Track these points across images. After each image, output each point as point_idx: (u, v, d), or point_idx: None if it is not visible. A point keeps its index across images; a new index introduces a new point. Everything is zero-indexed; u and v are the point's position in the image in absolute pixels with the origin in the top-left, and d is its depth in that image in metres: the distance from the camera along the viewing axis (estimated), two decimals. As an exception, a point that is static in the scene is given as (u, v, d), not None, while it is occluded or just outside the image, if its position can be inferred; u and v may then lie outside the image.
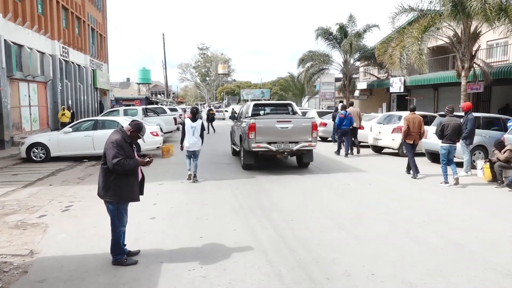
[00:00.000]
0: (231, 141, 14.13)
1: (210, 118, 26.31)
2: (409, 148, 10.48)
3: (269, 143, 10.33)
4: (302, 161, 11.39)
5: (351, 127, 14.12)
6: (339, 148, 14.42)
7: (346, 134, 14.06)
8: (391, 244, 5.38)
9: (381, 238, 5.64)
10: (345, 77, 29.89)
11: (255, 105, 12.47)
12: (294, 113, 12.19)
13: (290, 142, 10.42)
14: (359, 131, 15.35)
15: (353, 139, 14.70)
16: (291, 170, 11.24)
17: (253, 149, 10.38)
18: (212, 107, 46.84)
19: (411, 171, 10.40)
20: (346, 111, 14.14)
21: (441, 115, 12.64)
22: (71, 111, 22.30)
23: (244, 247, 5.26)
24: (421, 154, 13.63)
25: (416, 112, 11.03)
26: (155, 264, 4.73)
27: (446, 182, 9.37)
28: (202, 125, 9.64)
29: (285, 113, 12.16)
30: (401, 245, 5.34)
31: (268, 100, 54.33)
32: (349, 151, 14.29)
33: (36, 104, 20.35)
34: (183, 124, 9.79)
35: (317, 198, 8.01)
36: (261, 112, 12.61)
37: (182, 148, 9.70)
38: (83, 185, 9.43)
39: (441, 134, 9.40)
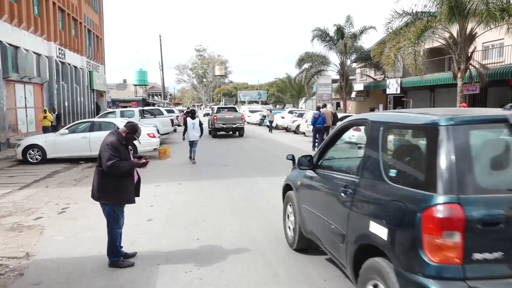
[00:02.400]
0: (209, 125, 23.88)
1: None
2: None
3: (223, 124, 22.06)
4: (239, 133, 22.66)
5: (324, 126, 15.64)
6: (314, 144, 15.93)
7: (319, 132, 15.70)
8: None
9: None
10: (342, 79, 29.96)
11: (217, 108, 25.14)
12: (236, 111, 24.55)
13: (231, 123, 22.08)
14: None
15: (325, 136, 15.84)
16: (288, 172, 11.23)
17: (216, 126, 22.20)
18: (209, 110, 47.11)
19: None
20: (320, 112, 15.92)
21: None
22: (56, 113, 20.02)
23: (241, 248, 5.26)
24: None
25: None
26: (152, 266, 4.71)
27: None
28: (200, 122, 13.11)
29: (233, 111, 23.95)
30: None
31: (265, 101, 64.64)
32: None
33: (32, 106, 20.28)
34: (185, 120, 13.29)
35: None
36: (221, 110, 23.94)
37: (184, 138, 13.55)
38: (79, 187, 9.40)
39: None
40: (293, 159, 5.28)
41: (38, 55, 20.48)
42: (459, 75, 16.15)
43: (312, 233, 4.52)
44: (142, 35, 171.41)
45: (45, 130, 17.76)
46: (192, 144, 12.90)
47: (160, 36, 72.64)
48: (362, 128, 3.81)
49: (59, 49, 23.63)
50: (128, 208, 5.00)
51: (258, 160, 13.62)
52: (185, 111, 24.54)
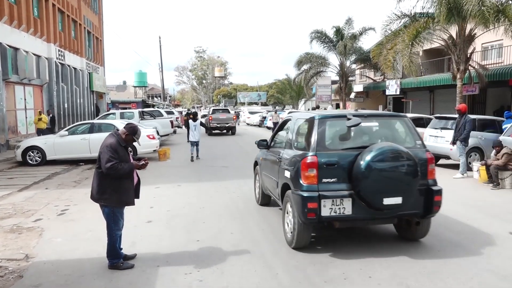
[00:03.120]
0: (206, 124, 24.12)
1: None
2: None
3: (217, 123, 25.41)
4: (231, 131, 25.87)
5: None
6: None
7: None
8: (388, 245, 5.38)
9: (377, 239, 5.64)
10: (342, 80, 29.94)
11: (213, 109, 27.91)
12: (229, 112, 27.19)
13: (224, 123, 25.48)
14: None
15: None
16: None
17: (211, 126, 25.11)
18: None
19: None
20: None
21: (438, 116, 12.85)
22: (51, 115, 19.31)
23: (241, 250, 5.25)
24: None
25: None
26: (151, 268, 4.70)
27: None
28: (204, 124, 16.01)
29: (226, 112, 27.10)
30: (398, 246, 5.34)
31: (265, 102, 66.55)
32: None
33: (32, 108, 20.26)
34: (187, 122, 15.08)
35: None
36: (215, 112, 26.80)
37: (188, 140, 14.79)
38: (79, 189, 9.39)
39: None
40: (260, 144, 7.20)
41: (38, 56, 20.48)
42: (458, 76, 16.14)
43: (267, 188, 6.97)
44: (141, 37, 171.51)
45: (40, 132, 17.33)
46: (195, 144, 13.90)
47: (159, 38, 72.35)
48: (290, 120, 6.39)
49: (59, 50, 23.63)
50: (127, 210, 4.99)
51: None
52: (185, 113, 24.60)
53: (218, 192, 8.78)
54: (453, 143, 10.71)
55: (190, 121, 14.21)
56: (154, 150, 14.15)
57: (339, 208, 4.83)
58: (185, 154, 15.82)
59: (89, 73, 30.01)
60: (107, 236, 4.71)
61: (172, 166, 12.82)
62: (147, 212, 7.09)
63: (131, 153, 4.94)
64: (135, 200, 4.89)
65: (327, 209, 4.81)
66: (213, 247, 5.38)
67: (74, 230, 6.19)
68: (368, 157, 4.75)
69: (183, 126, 24.94)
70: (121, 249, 4.86)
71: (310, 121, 5.32)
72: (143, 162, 4.83)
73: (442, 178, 10.46)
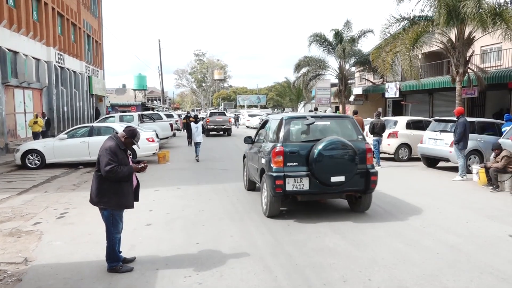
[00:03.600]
0: (204, 126, 24.66)
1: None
2: None
3: (214, 125, 27.13)
4: (227, 133, 27.80)
5: None
6: None
7: None
8: (387, 248, 5.38)
9: (377, 242, 5.64)
10: (341, 83, 29.95)
11: (210, 112, 30.86)
12: (225, 115, 29.47)
13: (220, 125, 27.31)
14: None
15: None
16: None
17: (209, 127, 26.72)
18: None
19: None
20: None
21: (437, 119, 12.89)
22: (46, 118, 19.31)
23: (241, 253, 5.25)
24: (417, 159, 13.69)
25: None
26: (151, 271, 4.70)
27: (379, 165, 12.62)
28: (202, 126, 16.20)
29: (222, 115, 29.46)
30: (397, 249, 5.34)
31: (264, 105, 68.17)
32: None
33: (31, 111, 20.26)
34: (189, 125, 16.83)
35: (312, 203, 8.00)
36: (213, 115, 29.16)
37: (189, 143, 17.35)
38: (78, 192, 9.39)
39: (372, 131, 13.22)
40: (246, 140, 8.96)
41: (37, 60, 20.51)
42: (457, 79, 16.17)
43: (251, 175, 8.62)
44: (141, 40, 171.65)
45: (35, 136, 17.18)
46: (197, 145, 14.83)
47: (159, 41, 72.50)
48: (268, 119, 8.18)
49: (58, 54, 23.67)
50: (127, 213, 4.99)
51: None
52: (184, 116, 24.67)
53: (217, 195, 8.78)
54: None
55: (192, 123, 15.41)
56: (154, 153, 14.15)
57: (299, 185, 6.52)
58: (184, 157, 15.84)
59: (88, 76, 30.06)
60: (106, 239, 4.71)
61: (171, 169, 12.82)
62: (146, 215, 7.09)
63: (131, 156, 4.95)
64: (135, 203, 4.90)
65: (290, 185, 6.49)
66: (212, 250, 5.38)
67: (73, 233, 6.19)
68: (320, 147, 6.43)
69: (183, 129, 24.88)
70: (120, 252, 4.86)
71: (280, 121, 7.02)
72: (142, 165, 4.83)
73: (442, 181, 10.54)
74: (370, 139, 12.99)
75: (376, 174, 6.81)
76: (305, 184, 6.49)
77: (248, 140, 8.82)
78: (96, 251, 5.28)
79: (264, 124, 8.35)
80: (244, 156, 9.48)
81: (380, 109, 29.41)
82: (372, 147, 11.75)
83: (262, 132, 8.37)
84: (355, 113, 15.08)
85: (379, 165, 12.82)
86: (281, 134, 6.74)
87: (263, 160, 7.10)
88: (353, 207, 7.34)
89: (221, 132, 27.91)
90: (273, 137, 7.05)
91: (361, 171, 6.66)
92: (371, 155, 6.95)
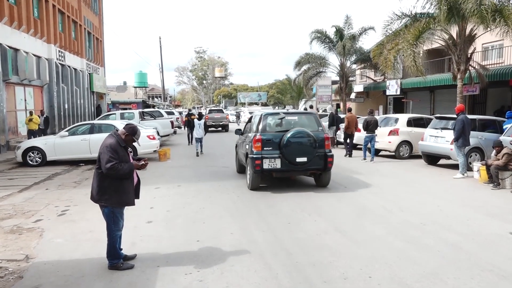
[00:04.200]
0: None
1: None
2: (348, 136, 15.01)
3: (213, 122, 29.20)
4: (225, 128, 29.80)
5: None
6: None
7: None
8: (388, 246, 5.38)
9: (377, 240, 5.64)
10: (342, 80, 29.91)
11: (209, 110, 33.26)
12: (223, 112, 31.54)
13: (219, 122, 29.59)
14: (356, 133, 15.42)
15: None
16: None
17: (208, 124, 25.22)
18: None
19: (351, 155, 14.70)
20: None
21: (438, 117, 12.83)
22: (45, 116, 18.56)
23: (241, 250, 5.26)
24: (418, 157, 13.68)
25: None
26: (151, 268, 4.71)
27: (364, 159, 13.57)
28: (205, 122, 17.03)
29: (220, 112, 31.37)
30: (398, 247, 5.34)
31: (265, 102, 68.94)
32: None
33: (32, 108, 20.26)
34: (190, 123, 18.20)
35: (313, 200, 8.01)
36: (211, 112, 31.18)
37: (189, 143, 18.43)
38: (79, 189, 9.40)
39: (366, 127, 13.40)
40: (237, 132, 11.27)
41: (38, 57, 20.50)
42: (458, 76, 16.13)
43: (241, 160, 10.35)
44: (141, 37, 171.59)
45: (31, 134, 16.81)
46: (199, 141, 15.64)
47: (160, 38, 72.74)
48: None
49: (59, 51, 23.66)
50: (127, 210, 5.00)
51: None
52: (186, 113, 24.79)
53: (218, 192, 8.79)
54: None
55: (195, 120, 16.42)
56: (154, 151, 14.16)
57: (273, 164, 8.58)
58: (185, 155, 15.86)
59: (89, 73, 30.04)
60: (107, 237, 4.72)
61: (172, 166, 12.83)
62: (147, 212, 7.09)
63: (131, 154, 4.95)
64: (135, 200, 4.90)
65: (266, 164, 8.55)
66: (213, 247, 5.38)
67: (74, 230, 6.20)
68: (288, 135, 8.49)
69: (184, 127, 24.78)
70: (121, 249, 4.87)
71: (260, 116, 9.18)
72: (143, 162, 4.84)
73: (442, 178, 10.53)
74: (363, 135, 14.04)
75: (332, 157, 8.83)
76: (277, 164, 8.56)
77: (238, 132, 11.05)
78: (97, 248, 5.29)
79: (250, 119, 10.61)
80: (236, 146, 11.43)
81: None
82: (364, 141, 13.82)
83: (248, 125, 10.47)
84: (349, 110, 15.94)
85: (372, 161, 13.41)
86: (260, 126, 8.84)
87: (247, 146, 9.09)
88: (317, 182, 9.38)
89: (219, 128, 30.09)
90: (255, 129, 9.09)
91: (320, 154, 8.67)
92: (328, 142, 8.91)
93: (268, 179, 9.51)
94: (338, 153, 15.58)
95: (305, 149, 8.46)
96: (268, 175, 9.01)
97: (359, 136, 15.21)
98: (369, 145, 13.67)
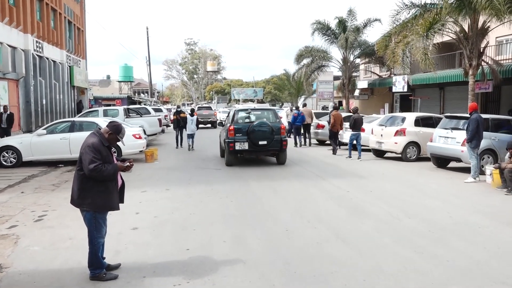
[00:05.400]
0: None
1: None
2: (334, 134, 16.39)
3: (201, 118, 30.31)
4: (212, 125, 33.21)
5: (305, 123, 18.85)
6: (295, 141, 18.96)
7: (298, 129, 19.02)
8: (393, 255, 5.42)
9: (382, 248, 5.67)
10: (345, 75, 29.97)
11: (198, 107, 36.36)
12: (211, 109, 36.39)
13: (207, 118, 33.17)
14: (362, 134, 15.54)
15: (306, 134, 19.41)
16: (284, 176, 11.29)
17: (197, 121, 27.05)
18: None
19: (338, 153, 15.88)
20: (299, 111, 19.12)
21: (448, 116, 12.91)
22: (8, 113, 17.18)
23: (235, 259, 5.27)
24: (426, 159, 13.76)
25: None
26: (137, 279, 4.70)
27: (350, 157, 14.70)
28: (197, 119, 18.97)
29: (209, 109, 36.29)
30: (404, 256, 5.37)
31: (261, 99, 68.52)
32: (303, 143, 19.26)
33: (7, 104, 20.15)
34: (179, 122, 18.37)
35: (313, 206, 8.04)
36: (200, 109, 34.23)
37: (177, 146, 18.39)
38: (58, 193, 9.37)
39: (353, 125, 14.64)
40: (219, 124, 24.84)
41: (14, 48, 20.39)
42: (470, 72, 16.22)
43: (222, 145, 14.17)
44: (127, 27, 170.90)
45: None
46: (191, 136, 17.42)
47: (147, 29, 72.26)
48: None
49: (37, 42, 23.54)
50: (111, 216, 4.99)
51: (252, 164, 13.65)
52: (174, 111, 24.72)
53: (209, 197, 8.80)
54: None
55: (188, 116, 18.10)
56: (141, 151, 14.14)
57: (243, 146, 12.46)
58: (174, 156, 15.85)
59: (69, 66, 29.91)
60: (89, 244, 4.71)
61: (160, 168, 12.82)
62: (132, 218, 7.08)
63: (115, 154, 4.94)
64: (120, 205, 4.90)
65: (237, 146, 12.46)
66: (204, 256, 5.39)
67: (53, 237, 6.18)
68: (253, 125, 12.38)
69: (173, 127, 24.47)
70: (104, 258, 4.86)
71: (233, 111, 13.80)
72: (128, 163, 4.83)
73: (452, 182, 10.61)
74: (348, 133, 15.74)
75: (286, 141, 12.82)
76: (246, 146, 12.46)
77: (221, 124, 15.11)
78: (77, 257, 5.27)
79: (234, 114, 13.59)
80: (220, 136, 15.16)
81: (386, 105, 29.51)
82: (349, 139, 15.19)
83: (226, 119, 14.93)
84: (335, 108, 17.47)
85: (358, 158, 14.54)
86: (233, 118, 13.13)
87: (224, 134, 13.30)
88: (277, 160, 13.33)
89: (208, 125, 33.48)
90: (230, 121, 13.29)
91: (277, 139, 12.51)
92: (283, 130, 12.84)
93: (267, 177, 10.06)
94: (339, 153, 15.70)
95: (265, 135, 12.33)
96: (241, 157, 13.51)
97: (364, 137, 15.35)
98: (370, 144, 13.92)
